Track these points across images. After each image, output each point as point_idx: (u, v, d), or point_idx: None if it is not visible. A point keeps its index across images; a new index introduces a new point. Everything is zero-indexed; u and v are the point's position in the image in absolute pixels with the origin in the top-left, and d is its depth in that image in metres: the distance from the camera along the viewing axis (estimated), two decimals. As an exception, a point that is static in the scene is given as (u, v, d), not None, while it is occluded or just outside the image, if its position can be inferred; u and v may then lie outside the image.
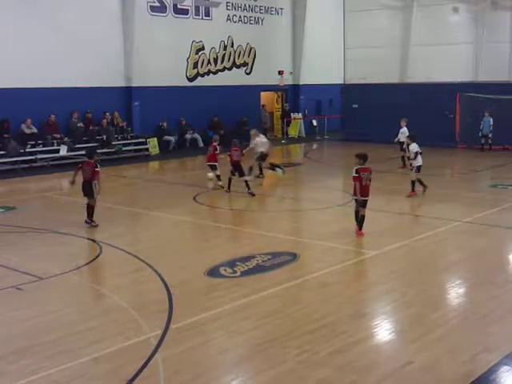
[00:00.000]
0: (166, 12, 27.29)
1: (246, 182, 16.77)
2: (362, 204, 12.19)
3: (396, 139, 21.43)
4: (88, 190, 13.45)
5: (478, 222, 13.40)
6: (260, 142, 19.25)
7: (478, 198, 16.48)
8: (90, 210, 13.44)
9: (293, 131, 32.94)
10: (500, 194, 16.80)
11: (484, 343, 7.31)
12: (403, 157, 20.58)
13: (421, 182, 16.36)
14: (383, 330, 7.88)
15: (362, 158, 12.30)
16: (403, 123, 21.21)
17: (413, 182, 16.28)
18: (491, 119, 25.12)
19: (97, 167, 13.58)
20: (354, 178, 12.12)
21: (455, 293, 9.44)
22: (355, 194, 12.22)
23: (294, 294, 9.29)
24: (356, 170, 12.14)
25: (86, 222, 13.42)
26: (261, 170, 19.44)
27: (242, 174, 16.91)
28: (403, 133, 20.62)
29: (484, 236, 12.44)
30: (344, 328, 7.72)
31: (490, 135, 25.30)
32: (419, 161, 16.24)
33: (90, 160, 13.72)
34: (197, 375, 6.66)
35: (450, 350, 7.13)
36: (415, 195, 16.25)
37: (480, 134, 25.49)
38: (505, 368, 6.75)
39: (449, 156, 24.80)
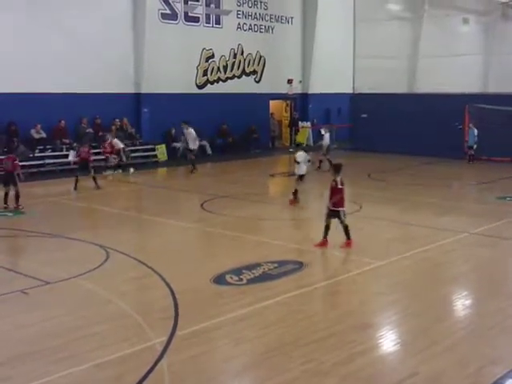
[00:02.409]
0: (176, 19, 27.40)
1: (94, 178, 18.83)
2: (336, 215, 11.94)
3: (320, 143, 24.25)
4: (11, 180, 15.80)
5: (486, 233, 13.34)
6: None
7: (486, 209, 16.42)
8: (17, 195, 15.77)
9: (301, 139, 32.92)
10: (507, 205, 16.74)
11: (490, 356, 7.26)
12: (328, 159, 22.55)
13: (295, 192, 16.44)
14: (389, 341, 7.85)
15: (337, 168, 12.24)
16: (326, 129, 24.23)
17: (295, 191, 16.47)
18: (476, 130, 24.97)
19: (16, 160, 16.20)
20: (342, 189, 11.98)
21: (461, 304, 9.40)
22: (343, 205, 11.96)
23: (300, 302, 9.26)
24: (341, 181, 11.99)
25: (17, 206, 15.71)
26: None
27: (88, 171, 19.03)
28: (326, 138, 23.47)
29: (491, 248, 12.40)
30: (349, 338, 7.69)
31: (475, 147, 25.10)
32: (301, 170, 16.47)
33: (9, 155, 16.44)
34: (202, 383, 6.66)
35: (456, 362, 7.10)
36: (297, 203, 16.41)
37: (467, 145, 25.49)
38: (511, 381, 6.72)
39: (457, 167, 24.73)
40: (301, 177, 16.68)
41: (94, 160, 20.50)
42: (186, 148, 23.60)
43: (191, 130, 23.00)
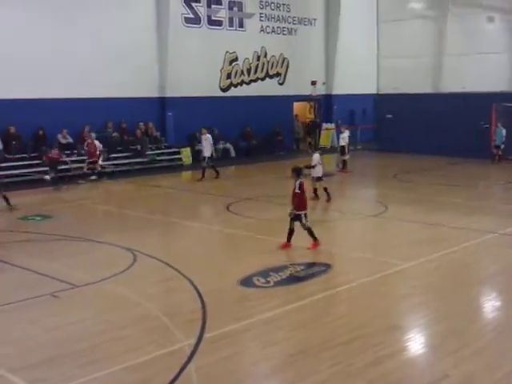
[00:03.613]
0: (200, 23, 27.54)
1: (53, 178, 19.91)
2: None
3: (338, 144, 24.59)
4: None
5: (514, 234, 13.19)
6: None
7: (514, 209, 16.23)
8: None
9: (325, 141, 32.88)
10: (537, 205, 16.53)
11: (521, 358, 7.18)
12: (344, 160, 23.22)
13: (315, 191, 17.08)
14: (417, 343, 7.80)
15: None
16: (344, 129, 23.80)
17: (315, 189, 17.03)
18: (504, 130, 24.83)
19: None
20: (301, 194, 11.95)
21: (490, 306, 9.30)
22: (303, 209, 11.91)
23: (327, 304, 9.26)
24: (300, 184, 11.92)
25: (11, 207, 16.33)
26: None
27: (56, 172, 20.47)
28: (344, 138, 23.30)
29: (520, 248, 12.25)
30: (378, 340, 7.65)
31: (503, 146, 24.95)
32: (318, 171, 16.84)
33: None
34: (230, 385, 6.69)
35: (486, 365, 7.02)
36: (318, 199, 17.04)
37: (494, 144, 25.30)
38: (542, 384, 6.63)
39: (483, 167, 24.46)
40: (318, 178, 17.03)
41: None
42: (202, 156, 22.41)
43: (208, 136, 21.98)
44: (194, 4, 27.16)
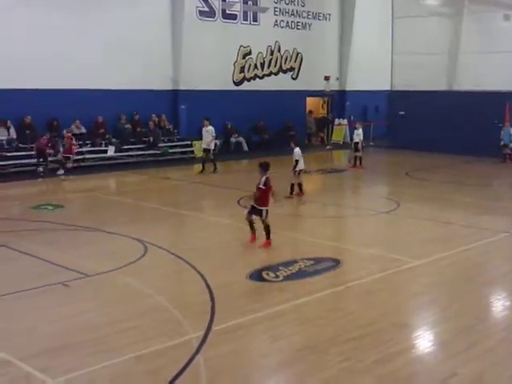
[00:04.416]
0: (214, 17, 27.50)
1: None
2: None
3: (352, 140, 24.36)
4: None
5: (527, 233, 13.11)
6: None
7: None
8: None
9: (337, 137, 32.78)
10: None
11: (531, 358, 7.14)
12: (356, 156, 23.22)
13: (300, 186, 17.01)
14: (427, 341, 7.76)
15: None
16: (358, 126, 23.68)
17: (292, 185, 16.89)
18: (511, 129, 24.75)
19: None
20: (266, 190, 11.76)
21: (501, 305, 9.23)
22: (266, 205, 11.72)
23: (337, 300, 9.24)
24: (265, 181, 11.74)
25: None
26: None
27: (45, 159, 20.30)
28: (358, 134, 23.18)
29: (533, 248, 12.17)
30: (388, 337, 7.63)
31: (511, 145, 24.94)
32: (300, 165, 16.87)
33: None
34: (238, 378, 6.68)
35: (496, 364, 6.99)
36: (292, 198, 16.78)
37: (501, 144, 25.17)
38: (553, 384, 6.59)
39: (495, 166, 24.29)
40: (299, 172, 17.00)
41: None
42: (204, 148, 22.30)
43: (210, 128, 21.69)
44: (208, -3, 27.16)
